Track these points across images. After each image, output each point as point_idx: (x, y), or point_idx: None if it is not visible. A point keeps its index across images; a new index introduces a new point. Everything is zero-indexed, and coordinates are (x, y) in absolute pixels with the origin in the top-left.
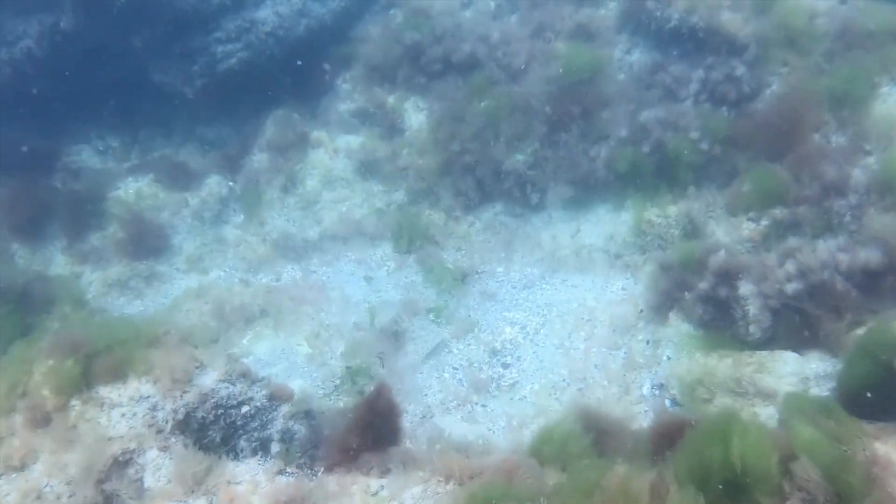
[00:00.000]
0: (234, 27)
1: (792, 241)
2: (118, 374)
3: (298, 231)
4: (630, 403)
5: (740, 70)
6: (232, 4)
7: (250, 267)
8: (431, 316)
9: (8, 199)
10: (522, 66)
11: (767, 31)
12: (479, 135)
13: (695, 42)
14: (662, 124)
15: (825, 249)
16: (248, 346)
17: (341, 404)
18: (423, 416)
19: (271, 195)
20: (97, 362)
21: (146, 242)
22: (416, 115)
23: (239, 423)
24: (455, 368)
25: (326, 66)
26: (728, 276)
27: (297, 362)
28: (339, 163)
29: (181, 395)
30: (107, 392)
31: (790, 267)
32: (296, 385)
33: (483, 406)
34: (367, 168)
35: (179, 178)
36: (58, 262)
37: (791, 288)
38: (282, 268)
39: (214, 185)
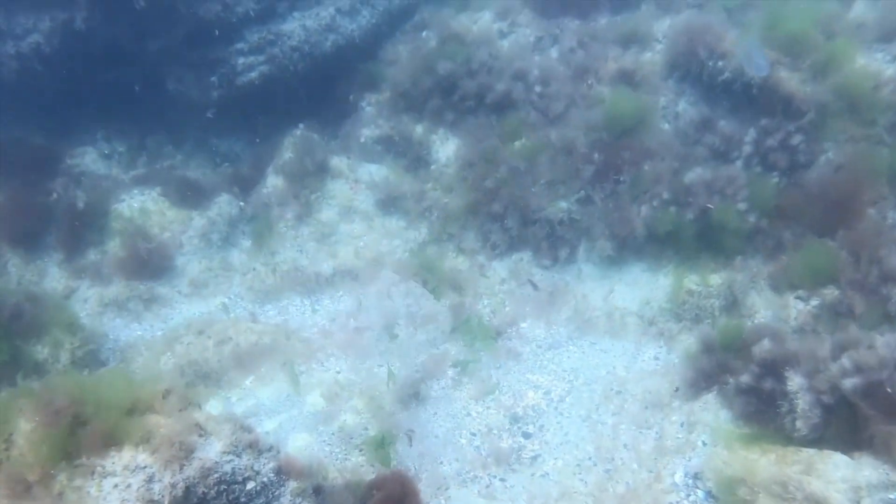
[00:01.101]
0: (258, 39)
1: (848, 332)
2: (111, 442)
3: (311, 264)
4: (661, 492)
5: (797, 139)
6: (257, 15)
7: (257, 297)
8: (458, 369)
9: (4, 204)
10: (561, 110)
11: (827, 95)
12: (512, 178)
13: (748, 97)
14: (709, 188)
15: (885, 345)
16: (251, 389)
17: (349, 463)
18: (438, 488)
19: (284, 222)
20: (88, 428)
21: (148, 262)
22: (444, 149)
23: (242, 499)
24: (473, 434)
25: (351, 97)
26: (774, 366)
27: (304, 412)
28: (359, 194)
29: (181, 468)
30: (98, 459)
31: (846, 362)
32: (301, 439)
33: (502, 480)
34: (389, 202)
35: (187, 194)
36: (53, 275)
37: (849, 384)
38: (290, 302)
39: (224, 204)
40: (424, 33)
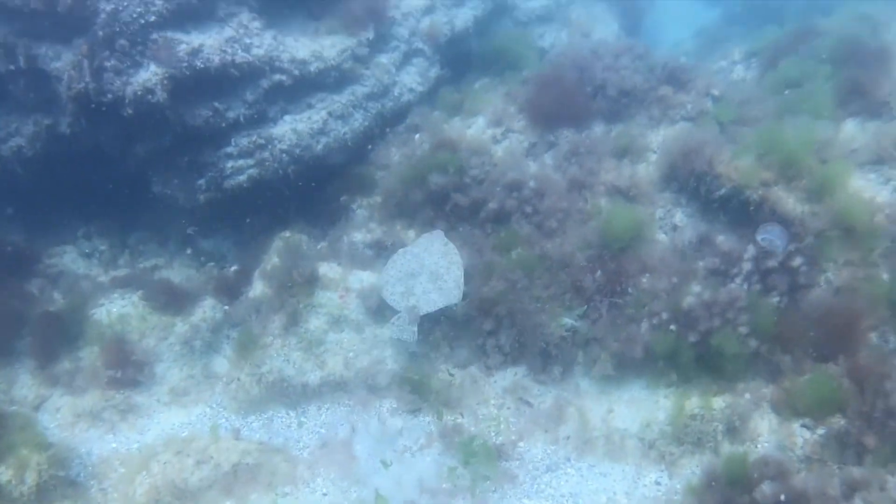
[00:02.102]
0: (248, 143)
1: (856, 472)
2: None
3: (297, 374)
4: None
5: (798, 260)
6: (247, 120)
7: (240, 408)
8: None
9: None
10: (556, 225)
11: (823, 221)
12: (508, 291)
13: (745, 213)
14: (709, 311)
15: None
16: None
17: None
18: None
19: (271, 330)
20: None
21: (125, 370)
22: None
23: None
24: None
25: (343, 197)
26: None
27: None
28: (349, 301)
29: None
30: None
31: None
32: None
33: None
34: (380, 310)
35: (170, 298)
36: (23, 382)
37: None
38: (276, 413)
39: (208, 308)
40: (417, 136)
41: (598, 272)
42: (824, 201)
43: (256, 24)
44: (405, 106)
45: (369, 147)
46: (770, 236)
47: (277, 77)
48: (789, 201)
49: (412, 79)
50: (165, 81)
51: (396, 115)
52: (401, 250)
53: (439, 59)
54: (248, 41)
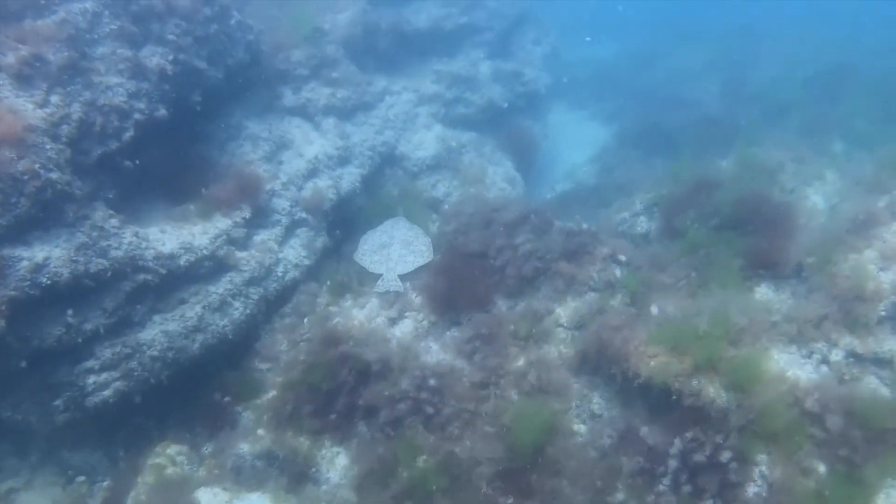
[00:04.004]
0: (112, 354)
1: None
2: None
3: None
4: None
5: (726, 455)
6: (107, 331)
7: None
8: None
9: None
10: (458, 432)
11: (748, 412)
12: None
13: (667, 401)
14: None
15: None
16: None
17: None
18: None
19: None
20: None
21: None
22: (333, 467)
23: None
24: None
25: (226, 399)
26: None
27: None
28: None
29: None
30: None
31: None
32: None
33: None
34: None
35: None
36: None
37: None
38: None
39: None
40: (306, 320)
41: (508, 487)
42: (747, 390)
43: (114, 221)
44: (291, 284)
45: (254, 336)
46: None
47: (142, 277)
48: (710, 391)
49: (297, 253)
50: (3, 307)
51: (282, 294)
52: (369, 231)
53: (326, 226)
54: (104, 244)
